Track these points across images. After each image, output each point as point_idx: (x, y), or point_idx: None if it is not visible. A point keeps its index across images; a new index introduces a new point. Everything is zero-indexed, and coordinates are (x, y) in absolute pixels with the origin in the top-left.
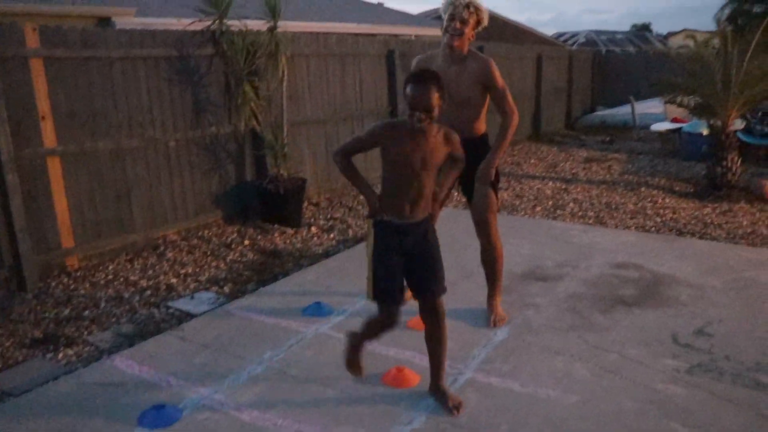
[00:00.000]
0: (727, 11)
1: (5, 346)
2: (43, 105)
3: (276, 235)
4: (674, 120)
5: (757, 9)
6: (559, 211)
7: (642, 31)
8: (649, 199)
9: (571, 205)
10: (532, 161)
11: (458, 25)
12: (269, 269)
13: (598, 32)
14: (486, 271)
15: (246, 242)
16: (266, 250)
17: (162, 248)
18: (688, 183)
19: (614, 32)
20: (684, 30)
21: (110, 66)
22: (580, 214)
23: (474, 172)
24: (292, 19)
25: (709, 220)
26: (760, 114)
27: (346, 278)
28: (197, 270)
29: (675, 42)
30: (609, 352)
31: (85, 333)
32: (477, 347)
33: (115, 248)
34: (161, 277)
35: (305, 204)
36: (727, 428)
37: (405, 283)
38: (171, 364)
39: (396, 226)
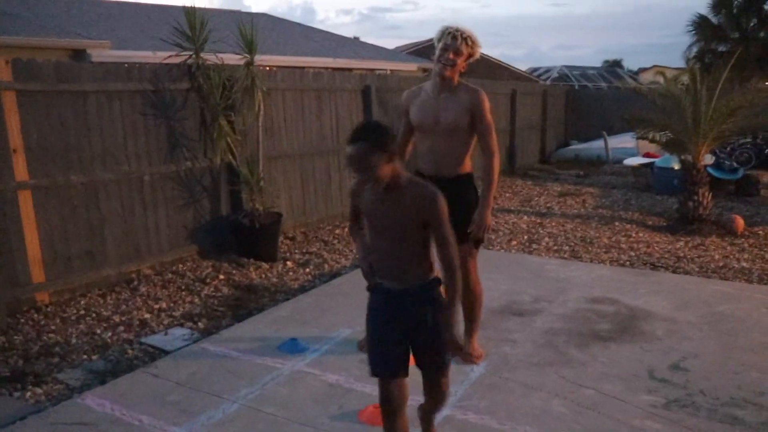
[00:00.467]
0: (694, 49)
1: None
2: (15, 138)
3: (251, 269)
4: (646, 155)
5: (722, 48)
6: (534, 245)
7: (614, 66)
8: (623, 233)
9: (547, 239)
10: (507, 195)
11: (451, 56)
12: (244, 304)
13: (571, 67)
14: (464, 312)
15: (221, 277)
16: (241, 285)
17: (135, 283)
18: (661, 217)
19: (586, 68)
20: (654, 66)
21: (84, 100)
22: (555, 248)
23: (456, 214)
24: (269, 53)
25: (682, 254)
26: (728, 149)
27: (322, 314)
28: (171, 305)
29: (646, 78)
30: (586, 388)
31: (55, 370)
32: (454, 384)
33: (87, 283)
34: (134, 313)
35: (281, 238)
36: None
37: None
38: (144, 402)
39: (387, 290)
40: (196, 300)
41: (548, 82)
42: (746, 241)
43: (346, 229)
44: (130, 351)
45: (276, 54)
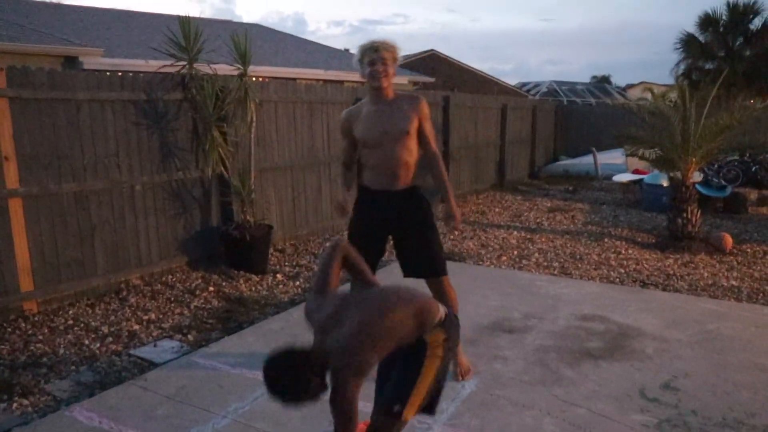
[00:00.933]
0: (682, 67)
1: None
2: (7, 145)
3: (241, 281)
4: (635, 171)
5: (709, 65)
6: (524, 261)
7: (602, 82)
8: (612, 250)
9: (536, 255)
10: (497, 210)
11: (381, 67)
12: (234, 317)
13: (560, 83)
14: None
15: (211, 288)
16: (231, 297)
17: (124, 293)
18: (650, 234)
19: (575, 83)
20: (642, 82)
21: (77, 108)
22: (545, 264)
23: (418, 225)
24: (260, 63)
25: (671, 272)
26: (716, 167)
27: None
28: (160, 317)
29: (633, 94)
30: (578, 407)
31: (42, 381)
32: (445, 401)
33: (75, 292)
34: (123, 324)
35: (271, 250)
36: None
37: None
38: (133, 416)
39: None
40: (186, 312)
41: (537, 97)
42: (735, 258)
43: None
44: (118, 362)
45: (267, 65)
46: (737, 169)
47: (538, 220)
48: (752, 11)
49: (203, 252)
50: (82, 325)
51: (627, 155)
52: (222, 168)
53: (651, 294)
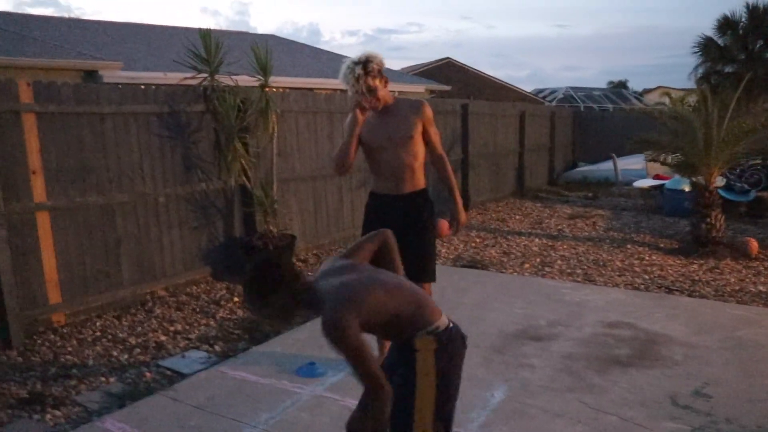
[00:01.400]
0: (700, 71)
1: None
2: (35, 160)
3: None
4: (656, 177)
5: (728, 69)
6: (547, 268)
7: (619, 88)
8: (635, 256)
9: (559, 262)
10: (517, 217)
11: (369, 98)
12: (260, 327)
13: (576, 89)
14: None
15: (236, 299)
16: None
17: (150, 304)
18: (673, 239)
19: (591, 89)
20: (659, 87)
21: (102, 121)
22: (568, 271)
23: (417, 229)
24: (279, 74)
25: (696, 277)
26: (738, 171)
27: None
28: (187, 327)
29: (651, 99)
30: (609, 415)
31: (73, 393)
32: (475, 410)
33: (102, 304)
34: (150, 335)
35: (294, 260)
36: None
37: None
38: (164, 427)
39: None
40: (212, 322)
41: (553, 104)
42: (761, 264)
43: None
44: (147, 374)
45: (285, 75)
46: (760, 173)
47: (559, 227)
48: None
49: (227, 262)
50: (109, 336)
51: (648, 161)
52: (244, 179)
53: (677, 300)
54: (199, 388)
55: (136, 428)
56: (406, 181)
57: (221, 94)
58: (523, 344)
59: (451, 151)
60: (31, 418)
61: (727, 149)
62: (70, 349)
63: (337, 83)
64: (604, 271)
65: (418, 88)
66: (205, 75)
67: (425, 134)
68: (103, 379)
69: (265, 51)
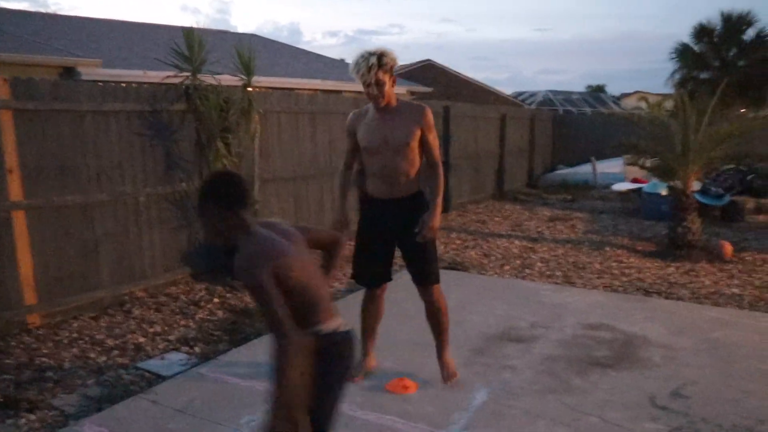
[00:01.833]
0: (677, 76)
1: None
2: (11, 157)
3: (246, 293)
4: (634, 180)
5: (704, 75)
6: (527, 270)
7: (597, 92)
8: (614, 259)
9: (539, 264)
10: (497, 219)
11: (376, 90)
12: (240, 329)
13: (555, 92)
14: (432, 327)
15: (215, 300)
16: (237, 309)
17: (128, 305)
18: (650, 242)
19: (570, 92)
20: (637, 92)
21: (81, 119)
22: (548, 273)
23: (415, 233)
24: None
25: (673, 280)
26: (713, 175)
27: None
28: (166, 329)
29: (628, 103)
30: (589, 416)
31: (49, 396)
32: (457, 411)
33: (79, 305)
34: (128, 336)
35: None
36: None
37: None
38: (143, 430)
39: None
40: (191, 324)
41: (533, 107)
42: (735, 266)
43: None
44: (125, 376)
45: (266, 75)
46: (734, 177)
47: (538, 230)
48: (746, 22)
49: (207, 263)
50: (87, 338)
51: (627, 164)
52: None
53: (655, 302)
54: (179, 390)
55: (114, 431)
56: (401, 185)
57: (203, 93)
58: (504, 346)
59: None
60: (3, 423)
61: (704, 154)
62: (45, 351)
63: (317, 83)
64: (583, 274)
65: (400, 90)
66: (187, 74)
67: (423, 140)
68: (80, 381)
69: (249, 51)
